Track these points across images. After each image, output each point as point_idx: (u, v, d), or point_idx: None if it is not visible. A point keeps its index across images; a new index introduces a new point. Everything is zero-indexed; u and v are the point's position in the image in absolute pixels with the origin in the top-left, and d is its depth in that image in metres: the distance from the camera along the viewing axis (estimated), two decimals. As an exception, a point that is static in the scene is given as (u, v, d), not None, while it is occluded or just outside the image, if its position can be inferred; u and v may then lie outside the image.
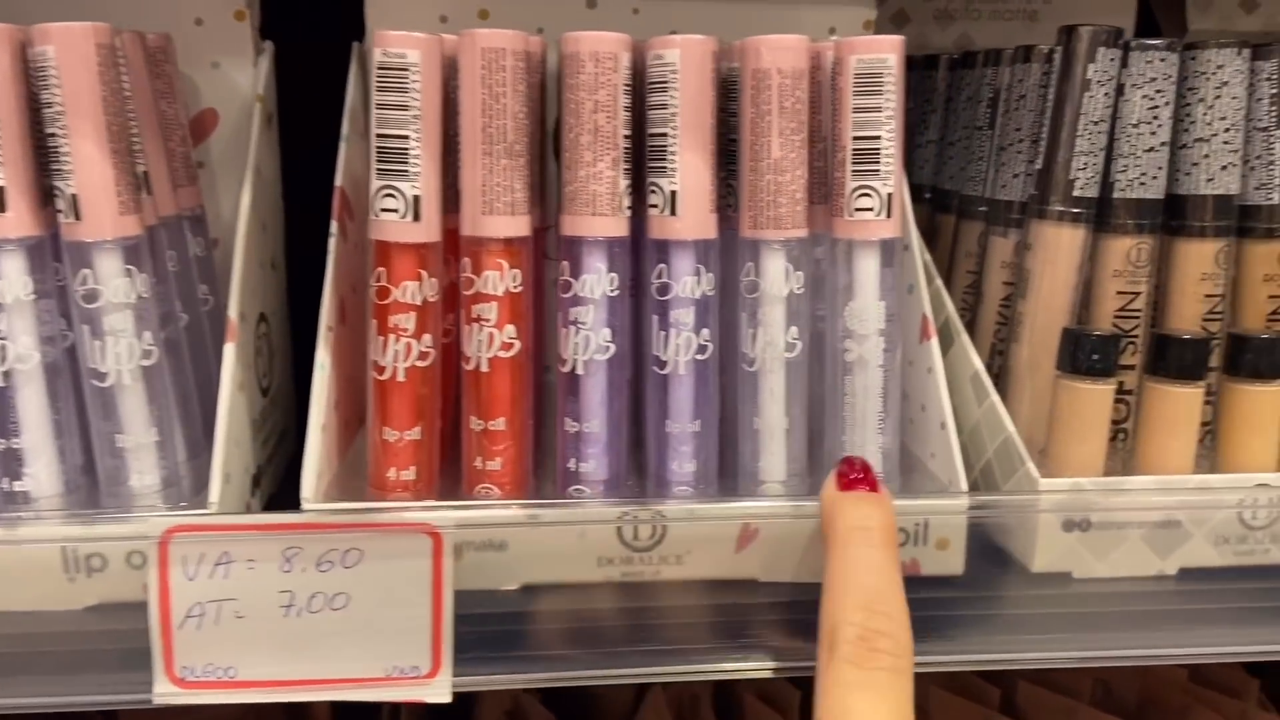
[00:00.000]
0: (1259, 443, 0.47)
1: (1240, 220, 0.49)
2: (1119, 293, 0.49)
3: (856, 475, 0.40)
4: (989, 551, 0.44)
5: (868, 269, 0.44)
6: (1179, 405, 0.46)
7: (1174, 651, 0.45)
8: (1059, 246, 0.49)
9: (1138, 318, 0.49)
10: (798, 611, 0.43)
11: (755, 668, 0.43)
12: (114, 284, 0.42)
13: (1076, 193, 0.48)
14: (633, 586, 0.43)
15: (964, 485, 0.44)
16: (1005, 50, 0.54)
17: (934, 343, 0.47)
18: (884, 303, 0.44)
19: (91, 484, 0.44)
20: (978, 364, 0.48)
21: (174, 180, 0.50)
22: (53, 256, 0.43)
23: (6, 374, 0.42)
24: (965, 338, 0.49)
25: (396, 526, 0.39)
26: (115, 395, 0.43)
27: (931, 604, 0.43)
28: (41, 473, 0.43)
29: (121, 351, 0.42)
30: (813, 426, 0.47)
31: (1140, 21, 0.68)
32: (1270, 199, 0.49)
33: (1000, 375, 0.51)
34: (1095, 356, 0.45)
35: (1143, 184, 0.48)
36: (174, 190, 0.50)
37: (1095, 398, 0.45)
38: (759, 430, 0.45)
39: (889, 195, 0.43)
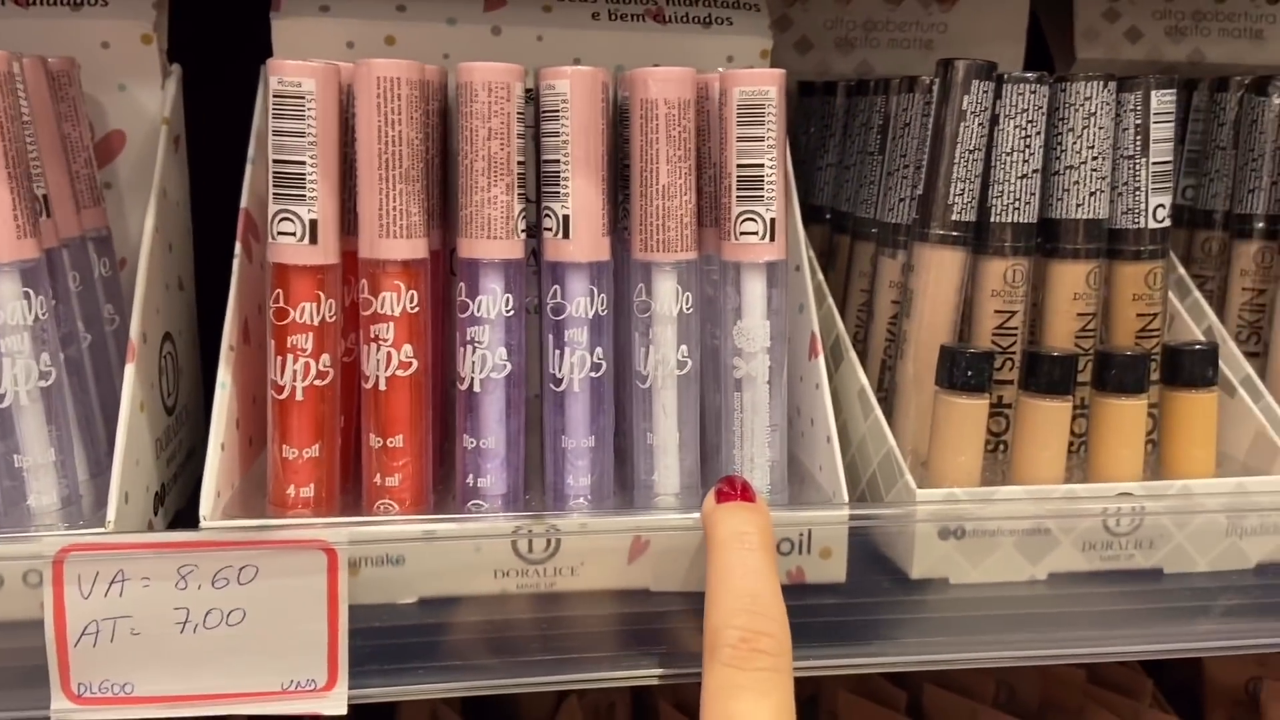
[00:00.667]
0: (1126, 453, 0.49)
1: (1110, 243, 0.52)
2: (997, 311, 0.52)
3: (732, 490, 0.42)
4: (870, 559, 0.46)
5: (754, 290, 0.46)
6: (1049, 418, 0.48)
7: (1044, 652, 0.47)
8: (940, 268, 0.51)
9: (1015, 335, 0.52)
10: (689, 619, 0.44)
11: (647, 675, 0.44)
12: (10, 306, 0.42)
13: (955, 217, 0.50)
14: (529, 598, 0.44)
15: (845, 496, 0.46)
16: (893, 79, 0.57)
17: (821, 360, 0.49)
18: (770, 322, 0.46)
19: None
20: (864, 380, 0.50)
21: (78, 201, 0.50)
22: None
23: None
24: (853, 355, 0.52)
25: (290, 543, 0.40)
26: (12, 415, 0.43)
27: (816, 610, 0.45)
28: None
29: (19, 373, 0.43)
30: (707, 441, 0.49)
31: (1031, 51, 0.72)
32: (1137, 223, 0.52)
33: (889, 391, 0.54)
34: (970, 373, 0.47)
35: (1016, 209, 0.51)
36: (78, 211, 0.50)
37: (971, 411, 0.48)
38: (653, 445, 0.47)
39: (772, 220, 0.45)
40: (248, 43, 0.56)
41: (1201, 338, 0.56)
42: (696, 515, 0.43)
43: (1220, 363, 0.51)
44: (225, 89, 0.56)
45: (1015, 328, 0.52)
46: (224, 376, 0.46)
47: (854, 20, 0.70)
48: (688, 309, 0.46)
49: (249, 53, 0.55)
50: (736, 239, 0.45)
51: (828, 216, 0.64)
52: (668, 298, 0.45)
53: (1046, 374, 0.48)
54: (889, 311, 0.55)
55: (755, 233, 0.45)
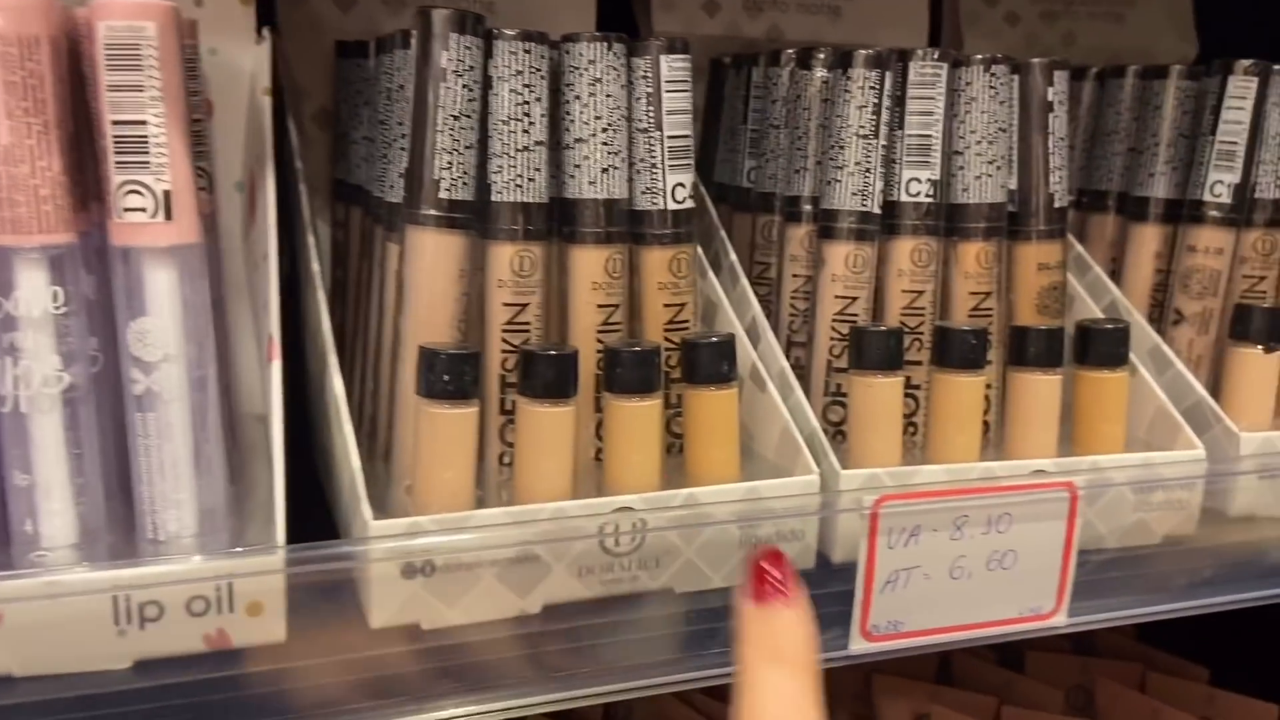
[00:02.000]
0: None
1: (631, 226, 0.47)
2: (506, 304, 0.45)
3: (772, 580, 0.36)
4: (323, 611, 0.38)
5: (153, 282, 0.36)
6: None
7: (547, 698, 0.41)
8: (434, 254, 0.44)
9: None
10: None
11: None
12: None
13: (444, 195, 0.43)
14: None
15: (281, 536, 0.37)
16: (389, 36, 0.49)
17: (278, 365, 0.41)
18: (182, 323, 0.37)
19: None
20: (336, 394, 0.42)
21: None
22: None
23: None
24: (334, 360, 0.44)
25: None
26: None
27: (245, 681, 0.37)
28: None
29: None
30: (124, 474, 0.39)
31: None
32: (656, 204, 0.47)
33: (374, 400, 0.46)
34: (447, 378, 0.40)
35: (520, 186, 0.44)
36: None
37: (455, 421, 0.41)
38: (31, 486, 0.36)
39: (166, 193, 0.36)
40: None
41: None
42: (71, 577, 0.33)
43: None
44: None
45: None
46: None
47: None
48: (61, 308, 0.35)
49: None
50: (120, 217, 0.35)
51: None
52: (32, 294, 0.35)
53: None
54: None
55: (143, 209, 0.35)
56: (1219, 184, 0.57)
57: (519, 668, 0.41)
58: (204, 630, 0.36)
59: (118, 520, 0.39)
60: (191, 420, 0.37)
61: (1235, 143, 0.57)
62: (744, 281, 0.54)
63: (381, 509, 0.41)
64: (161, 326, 0.36)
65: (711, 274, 0.53)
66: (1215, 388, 0.56)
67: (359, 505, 0.39)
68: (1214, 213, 0.58)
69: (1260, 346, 0.54)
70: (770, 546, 0.38)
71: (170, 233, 0.36)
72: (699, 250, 0.53)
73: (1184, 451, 0.49)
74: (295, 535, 0.37)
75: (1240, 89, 0.57)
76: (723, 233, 0.56)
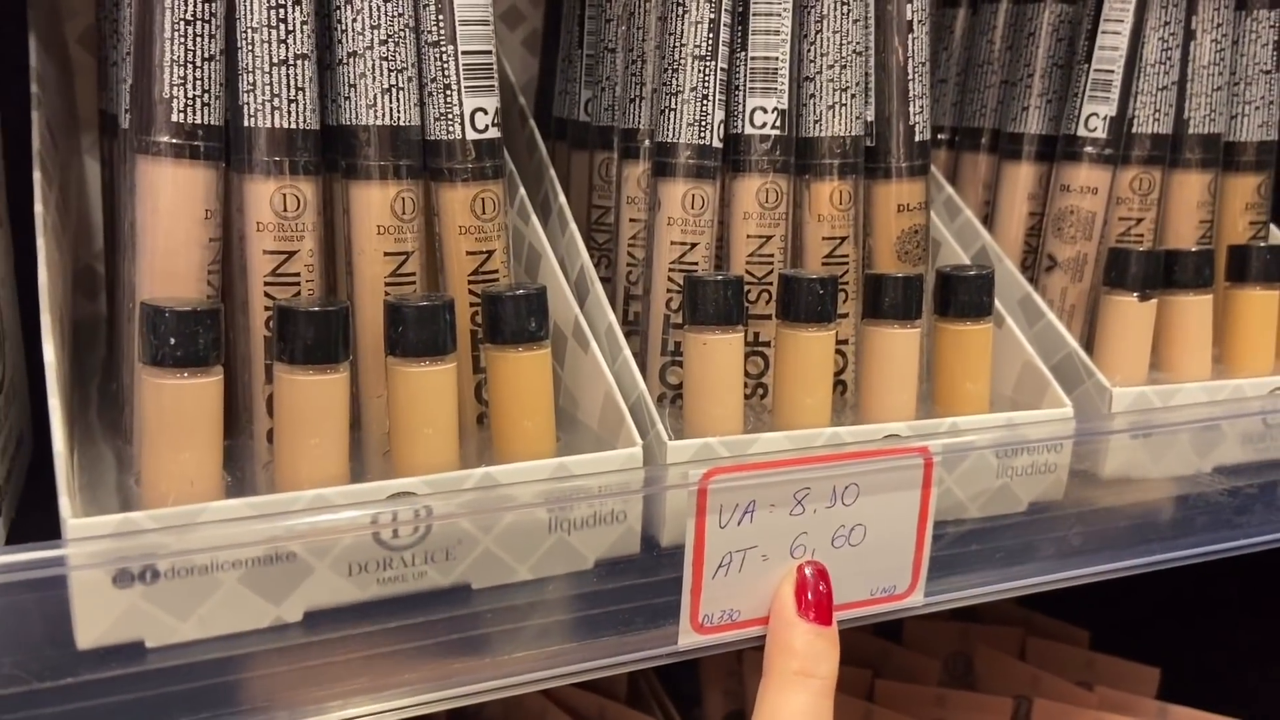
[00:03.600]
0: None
1: (428, 159, 0.40)
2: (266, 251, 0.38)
3: (818, 594, 0.39)
4: (26, 628, 0.31)
5: None
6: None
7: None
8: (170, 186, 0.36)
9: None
10: None
11: None
12: None
13: (177, 118, 0.36)
14: None
15: (-51, 541, 0.30)
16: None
17: (-38, 330, 0.33)
18: None
19: None
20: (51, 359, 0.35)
21: None
22: None
23: None
24: (49, 319, 0.36)
25: None
26: None
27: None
28: None
29: None
30: None
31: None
32: (450, 134, 0.40)
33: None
34: (174, 342, 0.33)
35: (277, 109, 0.37)
36: None
37: (185, 393, 0.33)
38: None
39: None
40: None
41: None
42: None
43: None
44: None
45: (297, 274, 0.38)
46: None
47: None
48: None
49: None
50: None
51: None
52: None
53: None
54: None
55: None
56: (1094, 117, 0.53)
57: (281, 686, 0.34)
58: None
59: None
60: None
61: (1111, 71, 0.52)
62: (573, 227, 0.47)
63: (124, 504, 0.34)
64: None
65: (537, 219, 0.46)
66: (1090, 339, 0.52)
67: (61, 498, 0.31)
68: (1089, 149, 0.53)
69: (1135, 294, 0.49)
70: (817, 564, 0.40)
71: None
72: (522, 191, 0.47)
73: (1051, 410, 0.45)
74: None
75: (1117, 12, 0.52)
76: (551, 171, 0.49)
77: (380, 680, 0.35)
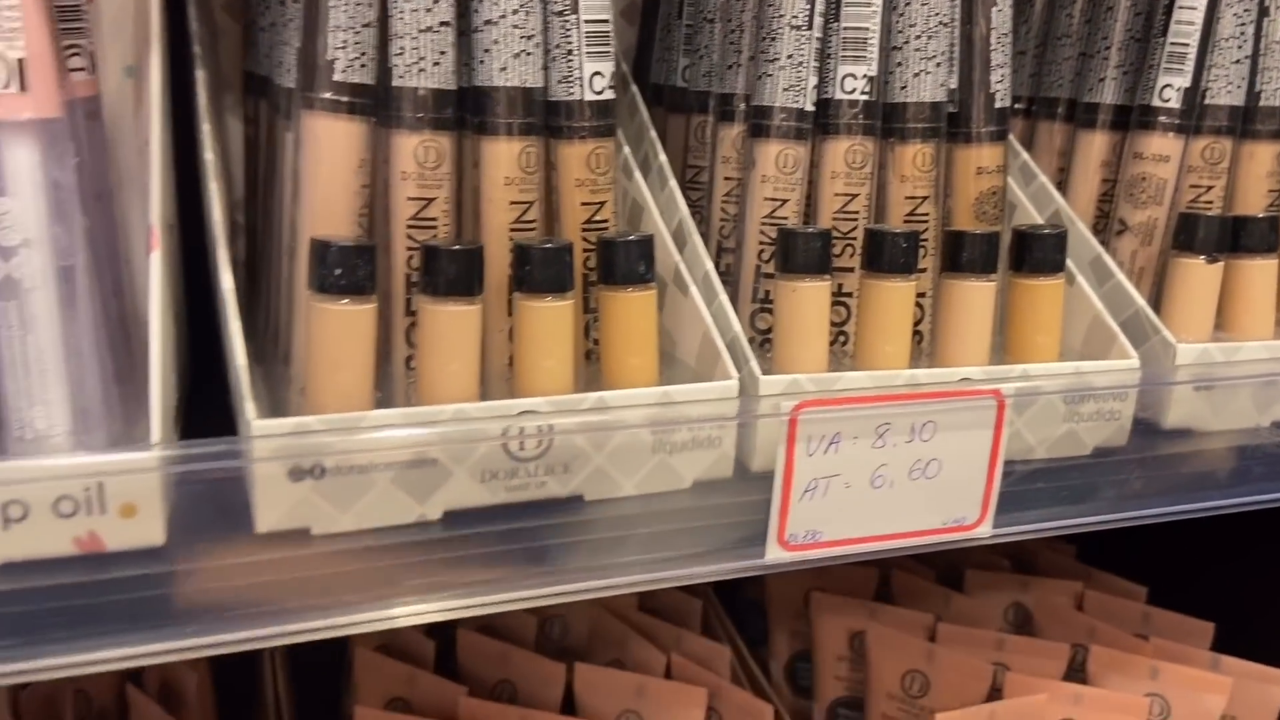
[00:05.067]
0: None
1: (547, 118, 0.45)
2: (410, 198, 0.43)
3: None
4: (206, 513, 0.36)
5: (13, 158, 0.33)
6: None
7: (452, 605, 0.40)
8: (329, 141, 0.41)
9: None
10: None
11: None
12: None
13: (339, 77, 0.40)
14: None
15: (158, 432, 0.35)
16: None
17: (159, 255, 0.38)
18: (46, 205, 0.34)
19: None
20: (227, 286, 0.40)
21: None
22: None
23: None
24: (225, 253, 0.41)
25: None
26: None
27: (116, 586, 0.35)
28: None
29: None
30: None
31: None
32: (572, 94, 0.44)
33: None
34: (339, 272, 0.38)
35: (422, 70, 0.41)
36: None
37: (348, 318, 0.38)
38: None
39: (20, 61, 0.33)
40: None
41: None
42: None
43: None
44: None
45: (434, 219, 0.43)
46: None
47: None
48: (-97, 186, 0.33)
49: None
50: (-33, 87, 0.33)
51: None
52: None
53: (446, 273, 0.39)
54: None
55: (-10, 78, 0.33)
56: (1168, 88, 0.55)
57: (420, 575, 0.39)
58: (74, 533, 0.34)
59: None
60: (60, 312, 0.35)
61: (1186, 44, 0.54)
62: (672, 183, 0.51)
63: (280, 413, 0.39)
64: (21, 208, 0.34)
65: (639, 176, 0.50)
66: (1158, 301, 0.55)
67: (243, 404, 0.36)
68: (1162, 119, 0.56)
69: (1203, 257, 0.52)
70: None
71: (26, 105, 0.33)
72: (626, 149, 0.51)
73: (1118, 360, 0.48)
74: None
75: (1194, -12, 0.54)
76: (653, 132, 0.54)
77: (505, 574, 0.40)
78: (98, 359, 0.37)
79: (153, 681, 0.62)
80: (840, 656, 0.74)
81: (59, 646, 0.34)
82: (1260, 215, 0.54)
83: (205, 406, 0.43)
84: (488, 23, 0.42)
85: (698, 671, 0.66)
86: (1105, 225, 0.59)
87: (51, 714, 0.59)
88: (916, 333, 0.51)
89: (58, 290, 0.35)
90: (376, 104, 0.42)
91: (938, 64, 0.49)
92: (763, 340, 0.50)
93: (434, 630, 0.70)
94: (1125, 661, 0.68)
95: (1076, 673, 0.69)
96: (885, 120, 0.50)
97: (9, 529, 0.33)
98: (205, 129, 0.46)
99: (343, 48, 0.40)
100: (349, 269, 0.38)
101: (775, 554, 0.43)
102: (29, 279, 0.34)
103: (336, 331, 0.38)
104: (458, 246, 0.40)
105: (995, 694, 0.66)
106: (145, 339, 0.41)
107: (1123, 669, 0.68)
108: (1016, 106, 0.64)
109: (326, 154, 0.41)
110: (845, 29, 0.48)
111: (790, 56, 0.48)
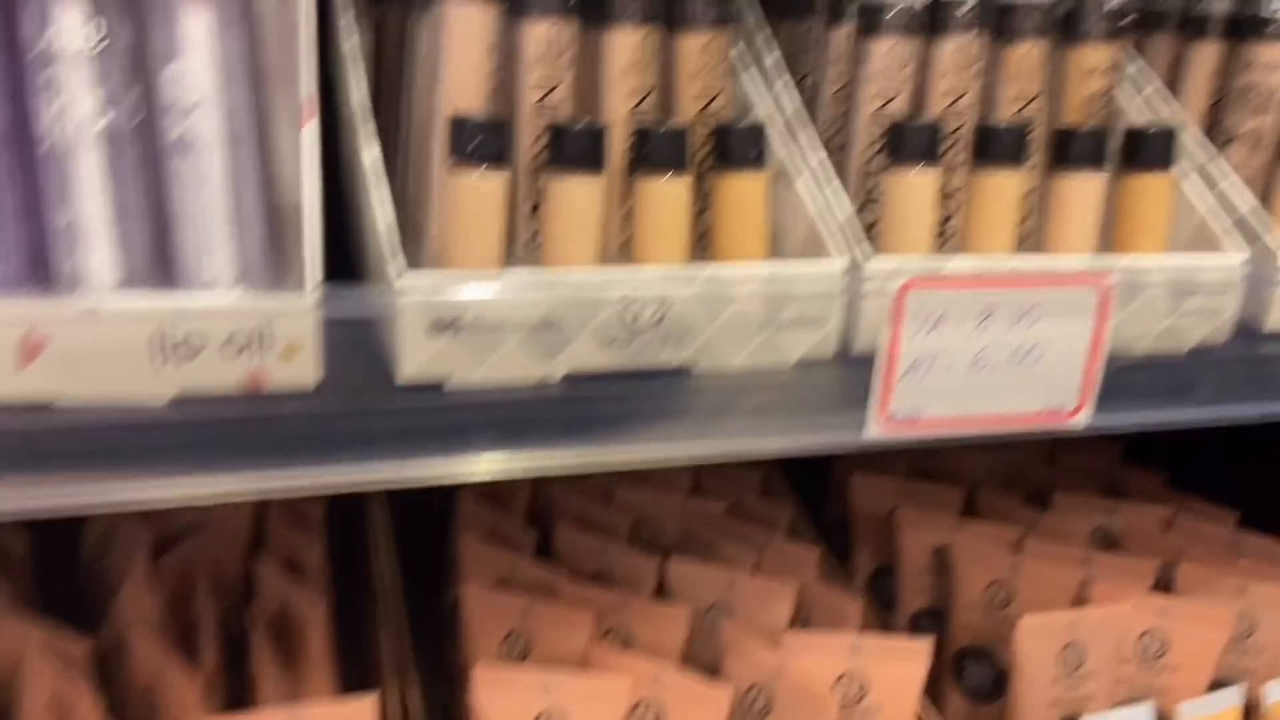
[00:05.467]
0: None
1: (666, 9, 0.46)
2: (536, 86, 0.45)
3: None
4: (356, 360, 0.39)
5: (192, 23, 0.37)
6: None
7: (572, 460, 0.43)
8: (464, 27, 0.43)
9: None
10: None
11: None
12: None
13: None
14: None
15: (314, 283, 0.38)
16: None
17: (311, 129, 0.41)
18: (219, 68, 0.37)
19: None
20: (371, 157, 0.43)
21: None
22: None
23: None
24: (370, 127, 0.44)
25: None
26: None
27: (280, 422, 0.38)
28: None
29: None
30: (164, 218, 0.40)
31: None
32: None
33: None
34: (476, 143, 0.40)
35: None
36: None
37: (483, 188, 0.41)
38: (72, 226, 0.37)
39: (199, -67, 0.36)
40: None
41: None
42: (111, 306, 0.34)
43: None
44: None
45: (557, 105, 0.45)
46: None
47: None
48: (99, 46, 0.36)
49: None
50: (152, -44, 0.36)
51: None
52: (69, 29, 0.36)
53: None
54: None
55: (174, -52, 0.36)
56: (1283, -5, 0.55)
57: (541, 431, 0.42)
58: (243, 369, 0.37)
59: (159, 273, 0.40)
60: (231, 169, 0.38)
61: (1305, -51, 0.54)
62: (787, 77, 0.53)
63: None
64: (196, 70, 0.37)
65: (755, 69, 0.52)
66: (1265, 208, 0.55)
67: (389, 262, 0.39)
68: (1273, 28, 0.55)
69: (1314, 163, 0.52)
70: None
71: (202, -26, 0.36)
72: (742, 45, 0.52)
73: (1222, 255, 0.48)
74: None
75: (1318, -110, 0.54)
76: (767, 30, 0.55)
77: (619, 434, 0.43)
78: (259, 220, 0.40)
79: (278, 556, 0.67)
80: (924, 569, 0.75)
81: (223, 475, 0.38)
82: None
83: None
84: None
85: (787, 570, 0.68)
86: (1214, 134, 0.58)
87: (187, 584, 0.64)
88: (1021, 232, 0.52)
89: (228, 151, 0.38)
90: (507, -7, 0.44)
91: (1051, -37, 0.50)
92: (869, 235, 0.51)
93: (533, 520, 0.73)
94: (1213, 579, 0.68)
95: (1163, 588, 0.70)
96: (996, 20, 0.51)
97: (183, 364, 0.37)
98: (342, 22, 0.48)
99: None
100: (486, 140, 0.40)
101: (876, 429, 0.45)
102: (202, 138, 0.37)
103: (473, 199, 0.41)
104: (581, 125, 0.42)
105: (1080, 605, 0.67)
106: (291, 215, 0.45)
107: (1210, 586, 0.68)
108: (1128, 20, 0.64)
109: (460, 38, 0.43)
110: (959, -73, 0.49)
111: (904, -47, 0.49)
